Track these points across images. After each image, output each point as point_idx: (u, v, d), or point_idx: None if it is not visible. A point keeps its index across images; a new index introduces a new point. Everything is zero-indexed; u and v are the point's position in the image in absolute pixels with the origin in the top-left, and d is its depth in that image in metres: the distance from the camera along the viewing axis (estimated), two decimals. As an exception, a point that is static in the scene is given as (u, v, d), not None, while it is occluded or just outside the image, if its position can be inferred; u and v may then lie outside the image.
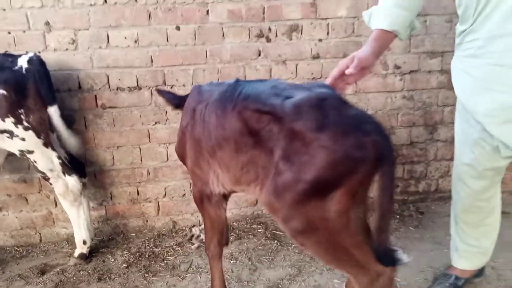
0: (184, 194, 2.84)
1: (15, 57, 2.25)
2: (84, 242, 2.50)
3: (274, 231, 2.78)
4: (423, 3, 1.70)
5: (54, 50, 2.47)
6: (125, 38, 2.52)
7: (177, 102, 2.00)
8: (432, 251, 2.47)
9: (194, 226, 2.82)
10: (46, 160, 2.31)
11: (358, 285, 1.38)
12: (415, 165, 3.08)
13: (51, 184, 2.37)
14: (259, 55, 2.70)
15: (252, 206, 2.95)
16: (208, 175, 1.71)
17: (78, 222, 2.47)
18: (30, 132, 2.22)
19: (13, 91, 2.18)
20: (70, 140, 2.38)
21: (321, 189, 1.25)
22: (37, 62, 2.24)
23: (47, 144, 2.29)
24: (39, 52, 2.44)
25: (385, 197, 1.29)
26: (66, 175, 2.38)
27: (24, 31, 2.43)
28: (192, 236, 2.69)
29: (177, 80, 2.64)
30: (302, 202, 1.28)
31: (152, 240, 2.74)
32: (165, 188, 2.82)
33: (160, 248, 2.64)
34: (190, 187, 2.80)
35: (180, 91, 2.54)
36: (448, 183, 3.04)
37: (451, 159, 2.91)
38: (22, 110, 2.20)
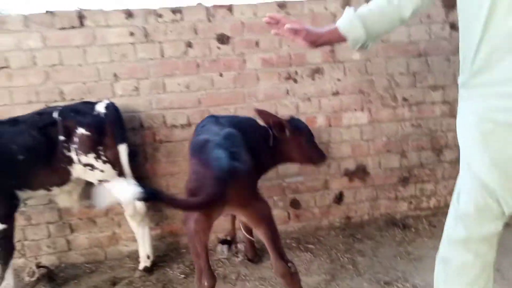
0: (227, 214, 3.29)
1: (93, 104, 2.77)
2: (148, 257, 2.94)
3: (306, 245, 3.20)
4: (387, 32, 1.77)
5: (120, 96, 3.00)
6: (178, 84, 3.05)
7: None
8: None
9: (238, 242, 3.23)
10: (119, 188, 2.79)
11: None
12: (425, 184, 3.51)
13: (122, 207, 2.84)
14: (288, 94, 3.20)
15: (286, 223, 3.39)
16: None
17: (143, 240, 2.92)
18: (108, 165, 2.71)
19: (94, 132, 2.67)
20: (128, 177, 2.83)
21: None
22: (112, 108, 2.76)
23: (120, 174, 2.77)
24: (108, 99, 2.96)
25: None
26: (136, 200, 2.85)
27: (96, 82, 2.97)
28: (237, 251, 3.11)
29: (220, 117, 3.14)
30: None
31: (200, 255, 3.17)
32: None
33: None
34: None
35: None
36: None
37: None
38: (101, 147, 2.69)
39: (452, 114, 3.41)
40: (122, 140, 2.77)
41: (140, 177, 2.95)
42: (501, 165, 1.38)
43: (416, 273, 2.72)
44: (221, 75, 3.08)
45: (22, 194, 2.59)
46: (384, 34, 1.76)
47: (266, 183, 3.26)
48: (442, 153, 3.45)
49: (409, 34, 3.23)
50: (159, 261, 3.10)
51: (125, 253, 3.20)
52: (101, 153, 2.70)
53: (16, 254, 2.66)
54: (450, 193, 3.51)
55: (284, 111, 3.20)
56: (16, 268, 2.67)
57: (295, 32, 1.68)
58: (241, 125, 2.46)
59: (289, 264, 2.08)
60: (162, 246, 3.24)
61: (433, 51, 3.30)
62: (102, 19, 2.86)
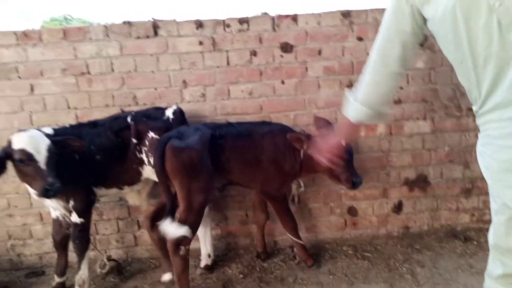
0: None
1: (163, 110, 2.95)
2: (209, 256, 3.08)
3: (363, 253, 3.20)
4: (391, 98, 1.84)
5: (188, 102, 3.16)
6: (242, 91, 3.17)
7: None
8: None
9: (293, 246, 3.29)
10: None
11: None
12: (488, 196, 3.38)
13: None
14: (349, 101, 3.22)
15: (342, 230, 3.41)
16: None
17: (204, 239, 3.06)
18: None
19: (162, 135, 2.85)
20: None
21: None
22: (179, 112, 2.93)
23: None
24: (177, 104, 3.14)
25: None
26: None
27: (167, 88, 3.15)
28: (294, 255, 3.17)
29: (281, 123, 3.22)
30: None
31: (258, 256, 3.26)
32: (268, 213, 3.35)
33: (267, 263, 3.15)
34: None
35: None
36: (523, 213, 3.33)
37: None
38: None
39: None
40: None
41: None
42: None
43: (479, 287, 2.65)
44: (283, 82, 3.17)
45: (97, 191, 2.81)
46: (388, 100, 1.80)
47: (323, 189, 3.31)
48: (509, 165, 3.32)
49: (477, 42, 3.15)
50: (219, 260, 3.23)
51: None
52: None
53: (93, 246, 2.88)
54: (517, 207, 3.41)
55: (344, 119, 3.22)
56: (89, 260, 2.87)
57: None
58: (251, 129, 2.85)
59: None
60: (222, 245, 3.36)
61: None
62: (174, 29, 3.04)
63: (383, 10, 3.15)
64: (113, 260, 3.11)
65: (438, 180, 3.35)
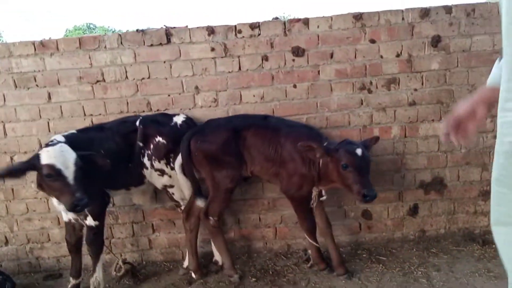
0: (297, 222, 3.35)
1: (170, 116, 3.01)
2: None
3: (378, 256, 3.17)
4: None
5: (201, 107, 3.19)
6: (254, 96, 3.18)
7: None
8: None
9: (306, 249, 3.28)
10: (180, 192, 3.00)
11: None
12: None
13: (180, 210, 3.06)
14: (362, 104, 3.20)
15: (357, 234, 3.38)
16: None
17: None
18: (174, 172, 2.92)
19: (170, 141, 2.90)
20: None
21: None
22: (189, 121, 3.02)
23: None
24: (190, 109, 3.18)
25: None
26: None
27: (180, 94, 3.19)
28: (307, 258, 3.16)
29: (293, 127, 3.22)
30: None
31: (271, 259, 3.28)
32: (281, 216, 3.36)
33: (280, 267, 3.15)
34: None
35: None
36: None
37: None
38: (172, 155, 2.91)
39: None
40: None
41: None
42: None
43: (498, 292, 2.60)
44: (294, 86, 3.17)
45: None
46: None
47: (337, 192, 3.28)
48: (528, 167, 3.23)
49: (493, 42, 3.08)
50: (233, 264, 3.24)
51: (200, 254, 3.38)
52: (171, 160, 2.91)
53: (104, 250, 2.93)
54: (537, 210, 3.31)
55: (357, 121, 3.21)
56: (104, 263, 2.93)
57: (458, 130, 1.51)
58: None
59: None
60: (234, 249, 3.37)
61: (519, 59, 3.11)
62: (186, 36, 3.08)
63: (395, 12, 3.15)
64: (128, 263, 3.17)
65: (455, 182, 3.29)
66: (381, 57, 3.12)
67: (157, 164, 2.90)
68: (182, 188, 2.97)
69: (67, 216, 2.79)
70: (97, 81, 3.16)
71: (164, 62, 3.12)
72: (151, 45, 3.10)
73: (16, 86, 3.14)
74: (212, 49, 3.09)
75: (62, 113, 3.20)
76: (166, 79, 3.16)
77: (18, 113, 3.18)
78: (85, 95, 3.17)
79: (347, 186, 2.62)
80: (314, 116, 3.21)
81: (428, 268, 2.95)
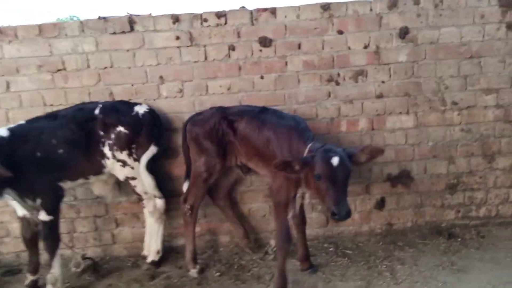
0: (264, 215, 3.31)
1: (131, 105, 2.91)
2: (158, 252, 3.07)
3: (344, 250, 3.14)
4: None
5: (165, 98, 3.11)
6: (220, 86, 3.11)
7: None
8: (492, 270, 2.71)
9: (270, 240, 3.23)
10: (143, 186, 2.91)
11: None
12: (475, 192, 3.32)
13: (143, 204, 2.98)
14: (329, 96, 3.16)
15: (324, 227, 3.35)
16: None
17: (157, 236, 3.06)
18: (137, 163, 2.84)
19: (132, 131, 2.81)
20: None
21: None
22: (152, 112, 2.94)
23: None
24: (154, 100, 3.10)
25: None
26: (156, 198, 2.97)
27: (144, 84, 3.10)
28: (266, 252, 3.12)
29: (260, 119, 3.16)
30: None
31: (237, 254, 3.22)
32: (249, 210, 3.31)
33: (245, 261, 3.10)
34: (270, 209, 3.26)
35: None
36: (509, 209, 3.27)
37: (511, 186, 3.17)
38: (134, 145, 2.83)
39: (507, 118, 3.20)
40: (156, 143, 2.92)
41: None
42: None
43: (459, 285, 2.60)
44: (262, 77, 3.11)
45: (64, 186, 2.73)
46: None
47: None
48: (494, 160, 3.25)
49: (461, 35, 3.08)
50: (198, 258, 3.17)
51: (166, 249, 3.31)
52: (133, 151, 2.83)
53: (65, 245, 2.83)
54: (503, 202, 3.35)
55: (325, 114, 3.17)
56: (64, 258, 2.84)
57: None
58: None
59: None
60: (201, 243, 3.31)
61: (486, 53, 3.12)
62: (151, 24, 2.99)
63: (363, 2, 3.11)
64: (89, 258, 3.06)
65: (422, 175, 3.28)
66: (349, 48, 3.09)
67: (118, 155, 2.81)
68: (144, 182, 2.89)
69: (22, 211, 2.68)
70: (58, 70, 3.05)
71: (128, 50, 3.03)
72: (114, 33, 3.00)
73: (-29, 74, 3.02)
74: (177, 38, 3.01)
75: (21, 102, 3.08)
76: (130, 68, 3.07)
77: (-26, 102, 3.05)
78: (45, 84, 3.06)
79: (320, 199, 2.35)
80: (282, 108, 3.15)
81: (393, 262, 2.94)
